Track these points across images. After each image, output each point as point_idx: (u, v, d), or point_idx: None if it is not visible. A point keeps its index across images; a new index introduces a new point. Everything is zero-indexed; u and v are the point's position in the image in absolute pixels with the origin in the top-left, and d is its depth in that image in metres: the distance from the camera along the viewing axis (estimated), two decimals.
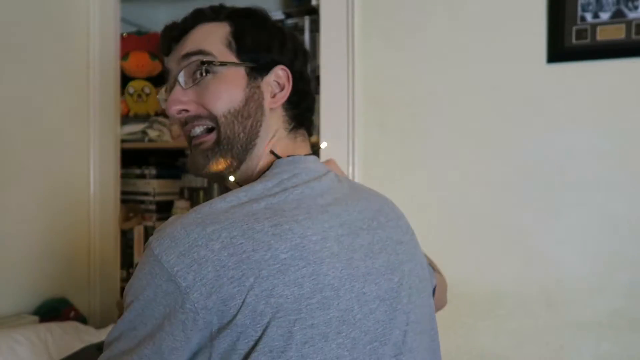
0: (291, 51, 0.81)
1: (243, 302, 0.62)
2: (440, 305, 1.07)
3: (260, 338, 0.62)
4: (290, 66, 0.80)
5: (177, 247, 0.63)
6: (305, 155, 0.80)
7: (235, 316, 0.62)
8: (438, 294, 0.99)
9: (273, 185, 0.72)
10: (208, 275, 0.62)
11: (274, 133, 0.79)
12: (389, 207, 0.84)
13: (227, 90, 0.76)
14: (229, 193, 0.70)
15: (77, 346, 1.36)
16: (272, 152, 0.79)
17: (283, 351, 0.63)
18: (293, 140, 0.81)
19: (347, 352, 0.66)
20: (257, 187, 0.71)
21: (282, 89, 0.79)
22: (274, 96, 0.79)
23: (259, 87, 0.78)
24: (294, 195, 0.71)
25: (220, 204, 0.68)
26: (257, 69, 0.78)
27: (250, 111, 0.77)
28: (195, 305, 0.62)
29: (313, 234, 0.67)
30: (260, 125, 0.78)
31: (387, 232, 0.78)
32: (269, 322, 0.63)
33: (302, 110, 0.82)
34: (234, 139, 0.77)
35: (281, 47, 0.80)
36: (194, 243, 0.63)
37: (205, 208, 0.67)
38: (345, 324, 0.66)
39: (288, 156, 0.78)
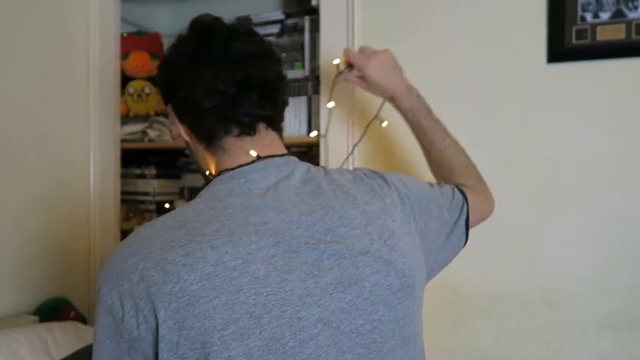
0: (172, 74, 0.83)
1: (159, 334, 0.64)
2: (482, 216, 1.06)
3: None
4: (171, 93, 0.83)
5: (109, 281, 0.68)
6: (250, 163, 0.77)
7: (158, 346, 0.64)
8: (473, 212, 0.96)
9: (203, 207, 0.72)
10: (130, 307, 0.65)
11: (203, 156, 0.82)
12: (359, 210, 0.76)
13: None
14: (161, 217, 0.73)
15: (77, 346, 1.36)
16: (209, 173, 0.82)
17: None
18: (224, 153, 0.79)
19: None
20: (187, 210, 0.72)
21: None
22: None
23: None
24: (221, 216, 0.69)
25: (147, 230, 0.70)
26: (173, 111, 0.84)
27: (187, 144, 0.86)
28: (131, 334, 0.66)
29: (232, 259, 0.65)
30: (195, 154, 0.85)
31: (347, 244, 0.71)
32: (184, 354, 0.63)
33: (209, 126, 0.78)
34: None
35: (168, 88, 0.84)
36: (118, 276, 0.67)
37: (135, 235, 0.71)
38: (272, 353, 0.64)
39: (225, 170, 0.77)
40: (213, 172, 0.81)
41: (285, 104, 0.87)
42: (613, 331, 1.25)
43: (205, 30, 0.84)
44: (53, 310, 1.59)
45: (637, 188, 1.24)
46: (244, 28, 0.85)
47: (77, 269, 1.75)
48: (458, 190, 0.98)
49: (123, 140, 1.86)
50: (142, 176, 1.98)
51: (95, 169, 1.78)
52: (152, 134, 1.89)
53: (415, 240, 0.82)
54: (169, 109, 0.84)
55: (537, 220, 1.31)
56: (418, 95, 1.11)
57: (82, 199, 1.76)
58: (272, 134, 0.83)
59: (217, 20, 0.86)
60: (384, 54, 1.10)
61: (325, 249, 0.70)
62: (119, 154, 1.82)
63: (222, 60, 0.78)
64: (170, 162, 2.06)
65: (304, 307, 0.66)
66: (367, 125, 1.27)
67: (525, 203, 1.32)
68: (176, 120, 0.83)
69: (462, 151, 1.10)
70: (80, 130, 1.76)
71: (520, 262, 1.32)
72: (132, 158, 1.98)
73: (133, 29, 2.04)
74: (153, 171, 1.97)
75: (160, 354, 0.64)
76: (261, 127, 0.80)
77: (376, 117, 1.21)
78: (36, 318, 1.51)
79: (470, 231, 1.36)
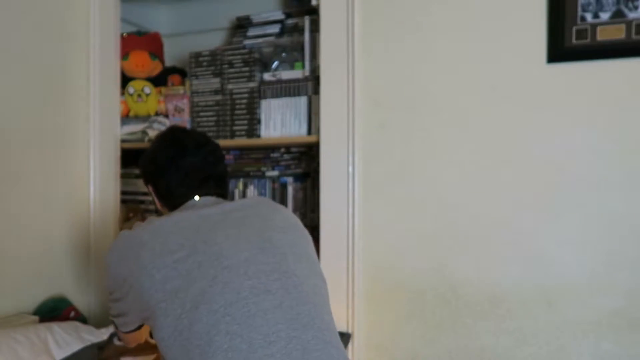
0: (156, 170, 1.19)
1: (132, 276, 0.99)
2: None
3: (143, 285, 0.97)
4: (155, 181, 1.20)
5: (117, 258, 1.05)
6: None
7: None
8: None
9: (167, 216, 1.08)
10: (124, 271, 1.02)
11: (165, 211, 1.22)
12: (265, 207, 1.12)
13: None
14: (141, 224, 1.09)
15: (77, 346, 1.36)
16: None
17: (157, 289, 0.95)
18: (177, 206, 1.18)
19: (195, 269, 0.95)
20: (156, 218, 1.07)
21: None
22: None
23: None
24: (173, 216, 1.07)
25: (125, 232, 1.06)
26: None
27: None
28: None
29: (169, 224, 1.02)
30: (159, 207, 1.25)
31: (246, 211, 1.09)
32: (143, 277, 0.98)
33: (177, 203, 1.16)
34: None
35: (151, 177, 1.21)
36: (120, 255, 1.04)
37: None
38: (190, 256, 0.97)
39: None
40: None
41: (228, 182, 1.33)
42: (613, 331, 1.25)
43: (179, 143, 1.19)
44: (53, 310, 1.59)
45: (637, 188, 1.24)
46: (203, 138, 1.22)
47: (77, 269, 1.75)
48: None
49: (123, 140, 1.86)
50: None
51: (95, 169, 1.79)
52: (152, 134, 1.89)
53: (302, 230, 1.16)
54: (150, 187, 1.22)
55: (537, 220, 1.31)
56: None
57: (82, 199, 1.76)
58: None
59: (185, 133, 1.23)
60: None
61: (228, 215, 1.07)
62: (119, 154, 1.82)
63: (190, 167, 1.17)
64: None
65: (210, 232, 1.01)
66: None
67: (525, 203, 1.32)
68: (153, 195, 1.22)
69: None
70: (80, 130, 1.76)
71: (520, 262, 1.32)
72: (132, 158, 1.98)
73: (133, 29, 2.04)
74: None
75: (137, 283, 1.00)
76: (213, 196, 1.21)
77: None
78: (36, 318, 1.51)
79: (471, 231, 1.37)
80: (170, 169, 1.17)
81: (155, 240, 0.99)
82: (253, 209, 1.11)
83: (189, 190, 1.16)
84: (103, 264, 1.59)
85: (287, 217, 1.14)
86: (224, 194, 1.24)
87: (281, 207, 1.18)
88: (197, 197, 1.18)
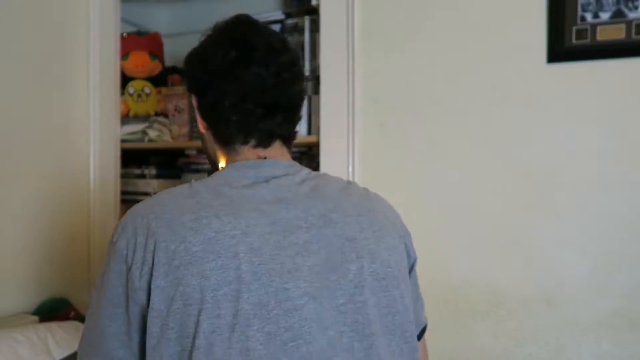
0: (205, 74, 0.85)
1: (157, 286, 0.70)
2: None
3: (168, 322, 0.69)
4: (200, 90, 0.86)
5: (125, 233, 0.75)
6: (255, 159, 0.84)
7: (150, 299, 0.70)
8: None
9: (214, 185, 0.78)
10: (138, 259, 0.72)
11: (215, 150, 0.89)
12: (352, 204, 0.81)
13: None
14: (178, 186, 0.80)
15: (77, 346, 1.36)
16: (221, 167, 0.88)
17: (193, 337, 0.68)
18: (237, 154, 0.85)
19: (260, 346, 0.68)
20: (200, 185, 0.79)
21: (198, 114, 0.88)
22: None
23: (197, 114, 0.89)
24: (229, 195, 0.76)
25: (165, 195, 0.78)
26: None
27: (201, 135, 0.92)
28: (133, 284, 0.72)
29: (232, 229, 0.72)
30: (206, 145, 0.91)
31: (336, 229, 0.77)
32: (178, 308, 0.69)
33: (229, 134, 0.84)
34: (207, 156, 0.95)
35: (197, 85, 0.87)
36: (134, 231, 0.74)
37: (154, 197, 0.79)
38: (257, 318, 0.69)
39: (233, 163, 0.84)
40: (224, 165, 0.88)
41: (300, 119, 0.91)
42: (613, 331, 1.25)
43: (245, 42, 0.84)
44: (53, 310, 1.59)
45: (637, 188, 1.24)
46: (279, 42, 0.86)
47: (77, 269, 1.75)
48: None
49: (123, 140, 1.86)
50: (142, 176, 1.98)
51: (95, 169, 1.79)
52: (152, 134, 1.89)
53: (402, 251, 0.86)
54: (193, 99, 0.88)
55: (537, 221, 1.31)
56: None
57: (82, 199, 1.76)
58: (283, 148, 0.88)
59: (256, 29, 0.88)
60: None
61: (316, 232, 0.76)
62: (119, 154, 1.82)
63: (256, 82, 0.82)
64: (170, 162, 2.06)
65: (291, 279, 0.71)
66: None
67: (525, 203, 1.32)
68: (197, 113, 0.88)
69: None
70: (80, 130, 1.76)
71: (520, 262, 1.32)
72: (132, 158, 1.98)
73: (133, 29, 2.04)
74: (153, 171, 1.97)
75: (152, 303, 0.70)
76: (276, 142, 0.87)
77: None
78: (36, 318, 1.51)
79: (471, 231, 1.36)
80: (226, 79, 0.81)
81: (212, 261, 0.70)
82: (352, 221, 0.79)
83: (244, 118, 0.82)
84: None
85: (394, 246, 0.82)
86: (290, 139, 0.89)
87: (388, 212, 0.87)
88: (263, 155, 0.83)
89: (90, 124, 1.78)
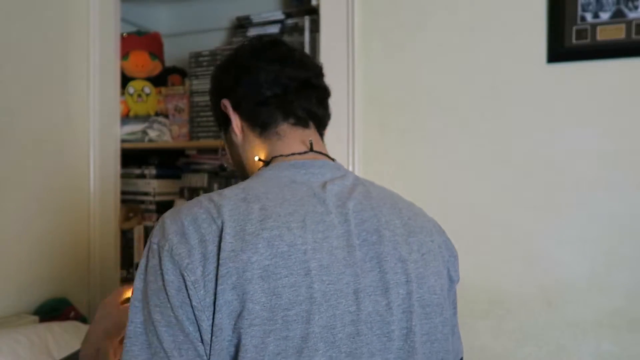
0: (231, 79, 0.86)
1: (224, 300, 0.62)
2: None
3: (233, 340, 0.62)
4: (237, 88, 0.85)
5: (181, 236, 0.66)
6: (303, 154, 0.81)
7: (214, 313, 0.62)
8: None
9: (271, 186, 0.73)
10: (197, 271, 0.63)
11: (254, 144, 0.85)
12: (402, 222, 0.78)
13: None
14: (227, 189, 0.72)
15: (77, 346, 1.36)
16: (259, 159, 0.84)
17: (256, 359, 0.62)
18: (279, 139, 0.83)
19: None
20: (256, 186, 0.73)
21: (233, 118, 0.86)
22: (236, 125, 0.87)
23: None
24: (291, 201, 0.71)
25: (218, 197, 0.69)
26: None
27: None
28: (198, 299, 0.62)
29: (303, 244, 0.66)
30: (240, 147, 0.88)
31: (388, 248, 0.73)
32: (242, 327, 0.62)
33: (268, 112, 0.83)
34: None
35: (231, 79, 0.86)
36: (191, 236, 0.65)
37: (204, 198, 0.70)
38: (323, 341, 0.64)
39: (280, 157, 0.81)
40: (263, 157, 0.84)
41: (329, 118, 0.91)
42: (613, 331, 1.25)
43: (269, 40, 0.89)
44: (53, 310, 1.59)
45: (637, 188, 1.24)
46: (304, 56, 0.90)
47: (77, 269, 1.75)
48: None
49: (123, 140, 1.86)
50: (142, 176, 1.98)
51: (95, 169, 1.79)
52: (152, 134, 1.89)
53: (445, 277, 0.83)
54: (226, 103, 0.86)
55: (537, 220, 1.31)
56: None
57: (82, 199, 1.76)
58: (318, 136, 0.87)
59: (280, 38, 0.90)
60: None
61: (369, 249, 0.72)
62: (119, 154, 1.82)
63: (288, 60, 0.84)
64: (170, 162, 2.06)
65: (354, 302, 0.67)
66: None
67: (525, 203, 1.32)
68: (231, 112, 0.86)
69: None
70: (80, 130, 1.76)
71: (520, 262, 1.32)
72: (132, 158, 1.98)
73: (133, 29, 2.04)
74: (153, 171, 1.97)
75: (217, 319, 0.62)
76: (312, 127, 0.86)
77: None
78: (36, 318, 1.51)
79: (471, 231, 1.36)
80: (262, 60, 0.84)
81: (285, 277, 0.64)
82: (402, 241, 0.75)
83: (281, 93, 0.82)
84: (107, 266, 1.54)
85: (440, 272, 0.79)
86: (326, 122, 0.89)
87: (434, 231, 0.86)
88: (308, 140, 0.82)
89: (90, 124, 1.78)
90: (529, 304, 1.32)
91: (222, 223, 0.65)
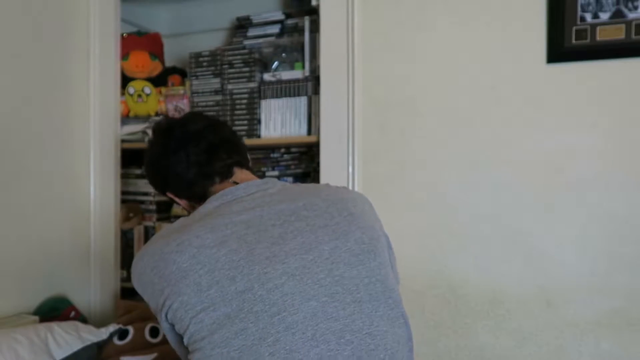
0: (161, 182, 1.10)
1: (165, 306, 0.85)
2: None
3: (187, 329, 0.82)
4: (170, 185, 1.07)
5: (138, 277, 0.91)
6: (234, 187, 0.98)
7: (168, 318, 0.86)
8: None
9: (196, 214, 0.94)
10: (150, 293, 0.88)
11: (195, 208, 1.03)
12: (321, 199, 0.93)
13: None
14: (170, 225, 0.94)
15: (77, 346, 1.36)
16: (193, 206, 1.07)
17: (203, 337, 0.80)
18: (213, 194, 1.00)
19: (251, 324, 0.79)
20: (186, 219, 0.94)
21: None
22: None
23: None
24: (207, 216, 0.90)
25: (156, 237, 0.92)
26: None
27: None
28: (160, 316, 0.87)
29: (211, 242, 0.85)
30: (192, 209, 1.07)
31: (308, 221, 0.89)
32: (182, 317, 0.83)
33: (199, 188, 1.03)
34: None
35: (160, 181, 1.10)
36: (141, 271, 0.89)
37: (149, 243, 0.92)
38: (246, 302, 0.80)
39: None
40: None
41: (245, 148, 1.10)
42: (613, 331, 1.25)
43: (165, 128, 1.08)
44: (53, 310, 1.59)
45: (637, 188, 1.24)
46: (190, 114, 1.13)
47: (77, 269, 1.75)
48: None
49: (123, 140, 1.86)
50: (142, 176, 1.98)
51: (95, 169, 1.79)
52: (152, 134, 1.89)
53: (377, 230, 0.96)
54: (169, 195, 1.09)
55: (537, 220, 1.31)
56: None
57: (82, 199, 1.76)
58: (244, 171, 1.06)
59: (169, 119, 1.13)
60: None
61: (289, 226, 0.88)
62: (119, 154, 1.82)
63: (187, 141, 1.02)
64: None
65: (269, 265, 0.83)
66: None
67: (525, 203, 1.32)
68: (177, 200, 1.09)
69: None
70: (80, 130, 1.76)
71: (520, 262, 1.32)
72: (132, 158, 1.98)
73: (133, 29, 2.04)
74: None
75: (177, 320, 0.85)
76: (236, 169, 1.05)
77: None
78: (36, 318, 1.51)
79: (470, 231, 1.37)
80: (169, 159, 1.03)
81: (200, 269, 0.83)
82: (322, 212, 0.91)
83: (201, 169, 1.01)
84: (107, 266, 1.57)
85: (366, 226, 0.92)
86: (245, 162, 1.08)
87: (357, 199, 0.97)
88: (232, 183, 1.01)
89: (90, 124, 1.78)
90: (528, 304, 1.32)
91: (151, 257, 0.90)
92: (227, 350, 0.78)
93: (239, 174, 1.04)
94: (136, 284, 0.92)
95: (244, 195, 0.95)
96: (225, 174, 1.03)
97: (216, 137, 1.04)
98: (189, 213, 1.05)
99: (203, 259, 0.83)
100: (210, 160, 1.02)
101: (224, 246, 0.84)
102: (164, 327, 0.89)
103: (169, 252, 0.85)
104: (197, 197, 1.03)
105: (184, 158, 1.01)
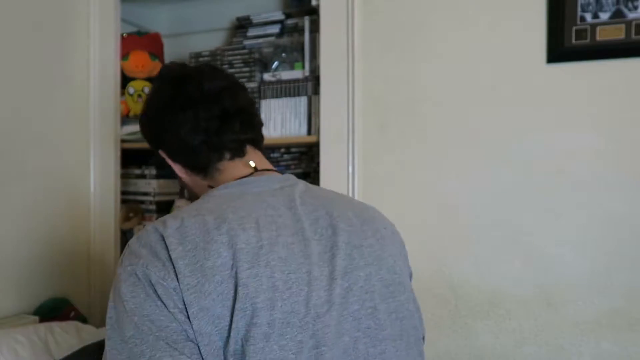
0: (155, 135, 0.93)
1: (203, 306, 0.67)
2: None
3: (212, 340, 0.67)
4: (165, 143, 0.91)
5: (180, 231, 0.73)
6: (256, 176, 0.85)
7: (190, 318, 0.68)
8: None
9: (222, 201, 0.78)
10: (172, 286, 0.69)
11: (201, 185, 0.91)
12: (354, 213, 0.83)
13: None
14: (179, 212, 0.77)
15: (77, 346, 1.36)
16: (209, 186, 0.89)
17: (225, 345, 0.67)
18: (221, 173, 0.88)
19: (292, 355, 0.67)
20: (206, 204, 0.78)
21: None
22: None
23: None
24: (244, 207, 0.76)
25: (176, 221, 0.73)
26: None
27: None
28: (172, 311, 0.68)
29: (258, 241, 0.72)
30: (192, 187, 0.94)
31: (343, 237, 0.78)
32: (224, 324, 0.67)
33: (202, 158, 0.88)
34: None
35: (155, 135, 0.93)
36: (188, 232, 0.71)
37: (164, 225, 0.74)
38: (289, 326, 0.68)
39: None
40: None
41: (261, 124, 0.95)
42: (613, 331, 1.25)
43: (175, 77, 0.91)
44: (53, 310, 1.59)
45: (637, 188, 1.24)
46: (207, 67, 0.93)
47: (77, 269, 1.75)
48: None
49: (123, 140, 1.86)
50: (142, 176, 1.98)
51: (95, 169, 1.79)
52: None
53: (404, 259, 0.89)
54: (162, 153, 0.93)
55: (537, 220, 1.31)
56: None
57: (82, 199, 1.76)
58: (258, 152, 0.92)
59: (184, 66, 0.95)
60: None
61: (327, 242, 0.77)
62: (119, 154, 1.82)
63: (199, 101, 0.86)
64: None
65: (316, 288, 0.72)
66: None
67: (525, 203, 1.32)
68: (169, 161, 0.92)
69: None
70: (80, 130, 1.76)
71: (520, 262, 1.32)
72: (132, 158, 1.98)
73: (133, 29, 2.04)
74: (153, 171, 1.97)
75: (195, 325, 0.67)
76: (248, 148, 0.90)
77: None
78: (36, 318, 1.51)
79: (470, 231, 1.36)
80: (173, 116, 0.87)
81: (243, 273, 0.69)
82: (357, 229, 0.80)
83: (209, 138, 0.85)
84: (107, 266, 1.53)
85: (396, 254, 0.84)
86: (259, 141, 0.93)
87: (387, 222, 0.89)
88: (251, 162, 0.87)
89: (90, 124, 1.78)
90: (528, 304, 1.32)
91: (172, 243, 0.70)
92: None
93: (253, 154, 0.90)
94: (175, 236, 0.71)
95: (271, 190, 0.82)
96: (237, 152, 0.88)
97: (233, 104, 0.88)
98: (180, 181, 0.95)
99: (251, 259, 0.70)
100: (221, 130, 0.86)
101: (273, 250, 0.72)
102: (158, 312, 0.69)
103: (212, 240, 0.70)
104: (199, 168, 0.89)
105: (190, 120, 0.85)
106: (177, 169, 0.92)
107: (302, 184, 0.86)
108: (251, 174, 0.87)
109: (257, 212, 0.76)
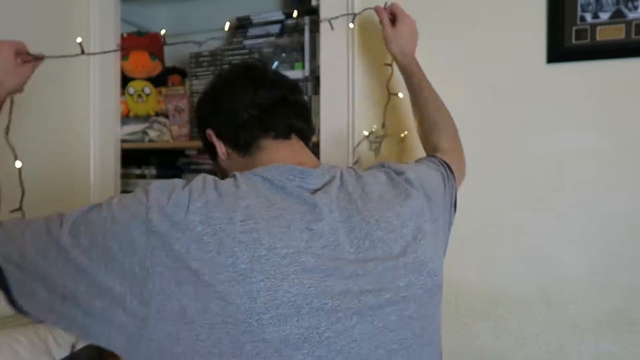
0: (211, 109, 0.92)
1: (191, 289, 0.64)
2: (461, 182, 1.09)
3: (204, 337, 0.64)
4: (217, 117, 0.89)
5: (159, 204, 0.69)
6: (297, 165, 0.80)
7: (187, 306, 0.64)
8: (458, 183, 1.03)
9: (262, 188, 0.74)
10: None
11: (240, 166, 0.87)
12: (394, 215, 0.78)
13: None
14: (223, 182, 0.74)
15: (77, 345, 1.36)
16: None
17: (233, 356, 0.64)
18: (262, 151, 0.86)
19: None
20: (249, 183, 0.74)
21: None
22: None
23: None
24: (279, 205, 0.72)
25: (215, 192, 0.71)
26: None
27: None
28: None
29: (283, 248, 0.67)
30: (227, 169, 0.90)
31: (383, 248, 0.75)
32: (214, 323, 0.64)
33: (247, 133, 0.86)
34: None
35: (210, 110, 0.92)
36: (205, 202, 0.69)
37: (204, 190, 0.71)
38: (307, 342, 0.65)
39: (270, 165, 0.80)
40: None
41: (314, 131, 0.95)
42: (613, 331, 1.25)
43: (244, 64, 0.96)
44: None
45: (637, 188, 1.24)
46: (274, 71, 0.98)
47: None
48: (448, 168, 1.02)
49: (123, 140, 1.86)
50: (142, 176, 1.98)
51: (95, 169, 1.78)
52: (152, 134, 1.89)
53: (440, 236, 0.86)
54: (210, 132, 0.90)
55: (537, 220, 1.31)
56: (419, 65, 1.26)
57: (82, 199, 1.76)
58: (303, 145, 0.90)
59: (249, 63, 0.97)
60: (413, 22, 1.27)
61: (365, 254, 0.73)
62: (119, 154, 1.82)
63: (261, 83, 0.87)
64: (170, 162, 2.06)
65: (343, 301, 0.68)
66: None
67: (525, 203, 1.32)
68: (215, 140, 0.90)
69: (448, 113, 1.22)
70: (80, 130, 1.76)
71: (520, 262, 1.32)
72: (132, 158, 1.98)
73: (133, 29, 2.04)
74: (153, 171, 1.97)
75: (186, 309, 0.64)
76: (294, 136, 0.88)
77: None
78: None
79: (470, 231, 1.36)
80: (231, 90, 0.87)
81: (254, 286, 0.65)
82: (397, 235, 0.77)
83: (261, 114, 0.84)
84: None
85: (437, 252, 0.83)
86: (308, 136, 0.91)
87: (433, 206, 0.86)
88: (292, 149, 0.86)
89: (90, 124, 1.78)
90: (528, 304, 1.32)
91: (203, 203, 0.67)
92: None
93: (295, 143, 0.88)
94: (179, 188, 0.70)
95: (312, 188, 0.78)
96: (283, 134, 0.86)
97: (293, 95, 0.88)
98: (217, 166, 0.94)
99: (268, 269, 0.65)
100: (274, 110, 0.85)
101: (298, 260, 0.67)
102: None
103: (230, 234, 0.66)
104: (241, 144, 0.86)
105: (249, 94, 0.85)
106: (219, 147, 0.89)
107: (338, 178, 0.81)
108: (295, 165, 0.81)
109: (293, 214, 0.71)
